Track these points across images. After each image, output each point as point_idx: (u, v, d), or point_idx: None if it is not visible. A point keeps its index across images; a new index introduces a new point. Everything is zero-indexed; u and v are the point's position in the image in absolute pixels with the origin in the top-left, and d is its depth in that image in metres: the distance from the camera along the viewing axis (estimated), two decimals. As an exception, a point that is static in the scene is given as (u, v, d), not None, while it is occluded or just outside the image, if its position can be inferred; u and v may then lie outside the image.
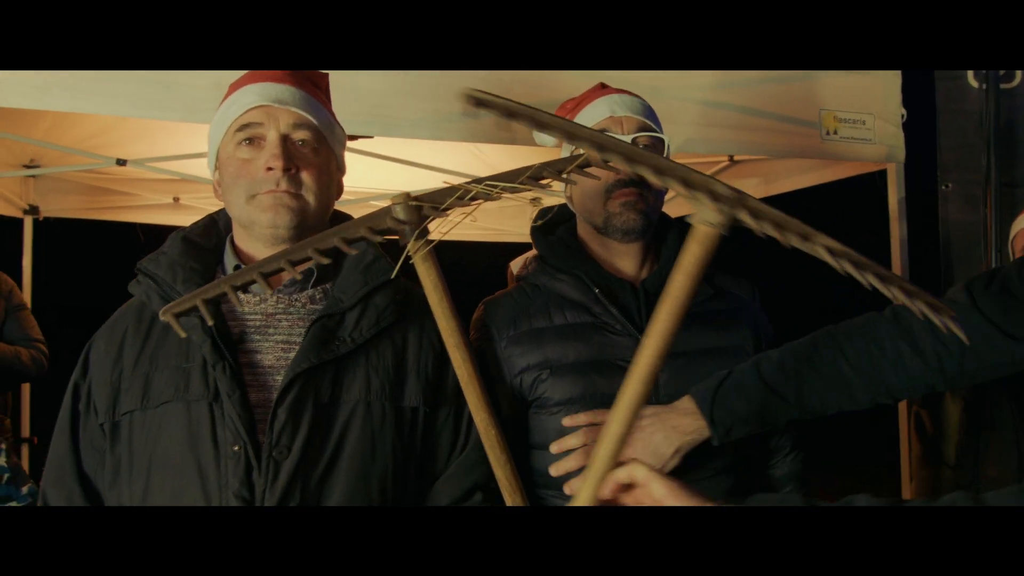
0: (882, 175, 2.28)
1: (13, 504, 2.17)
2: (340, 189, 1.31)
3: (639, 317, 1.34)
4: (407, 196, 1.06)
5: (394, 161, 3.28)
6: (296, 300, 1.21)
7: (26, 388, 3.72)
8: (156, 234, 3.91)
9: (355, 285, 1.20)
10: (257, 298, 1.20)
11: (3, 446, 2.21)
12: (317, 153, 1.20)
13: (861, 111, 2.14)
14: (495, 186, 1.13)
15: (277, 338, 1.17)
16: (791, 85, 2.07)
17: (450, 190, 1.08)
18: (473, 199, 1.09)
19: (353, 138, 2.76)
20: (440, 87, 1.74)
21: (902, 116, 2.19)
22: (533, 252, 1.47)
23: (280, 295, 1.21)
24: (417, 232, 1.06)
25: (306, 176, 1.18)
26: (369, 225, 1.08)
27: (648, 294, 1.36)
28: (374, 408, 1.15)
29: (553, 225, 1.47)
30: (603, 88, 1.47)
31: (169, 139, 3.25)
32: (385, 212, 1.09)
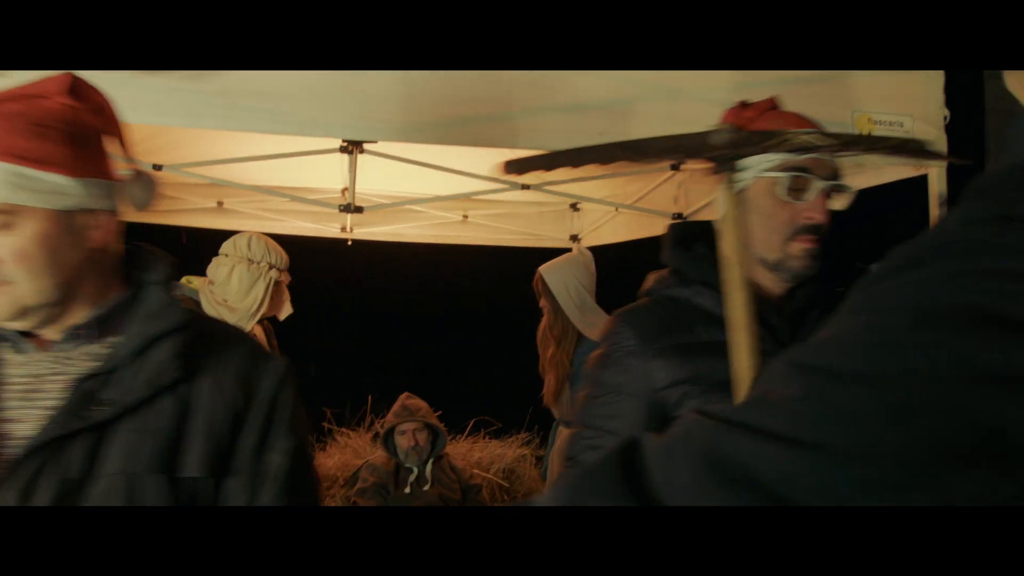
0: (923, 180, 2.13)
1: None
2: (104, 229, 1.09)
3: (785, 337, 1.31)
4: (730, 126, 1.04)
5: (426, 167, 3.28)
6: (72, 358, 1.07)
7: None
8: (200, 237, 4.02)
9: (135, 337, 1.06)
10: (25, 357, 1.07)
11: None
12: (15, 231, 1.01)
13: (899, 112, 2.01)
14: (831, 137, 1.10)
15: (45, 403, 1.04)
16: (821, 85, 1.96)
17: (771, 134, 1.04)
18: (796, 150, 1.05)
19: (358, 143, 2.76)
20: (444, 90, 1.71)
21: (945, 118, 2.05)
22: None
23: (57, 353, 1.07)
24: (730, 163, 1.03)
25: (7, 265, 1.02)
26: (685, 143, 1.06)
27: (792, 315, 1.34)
28: (140, 481, 1.00)
29: (689, 240, 1.44)
30: (786, 114, 1.42)
31: (210, 145, 3.33)
32: (698, 136, 1.04)
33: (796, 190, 1.26)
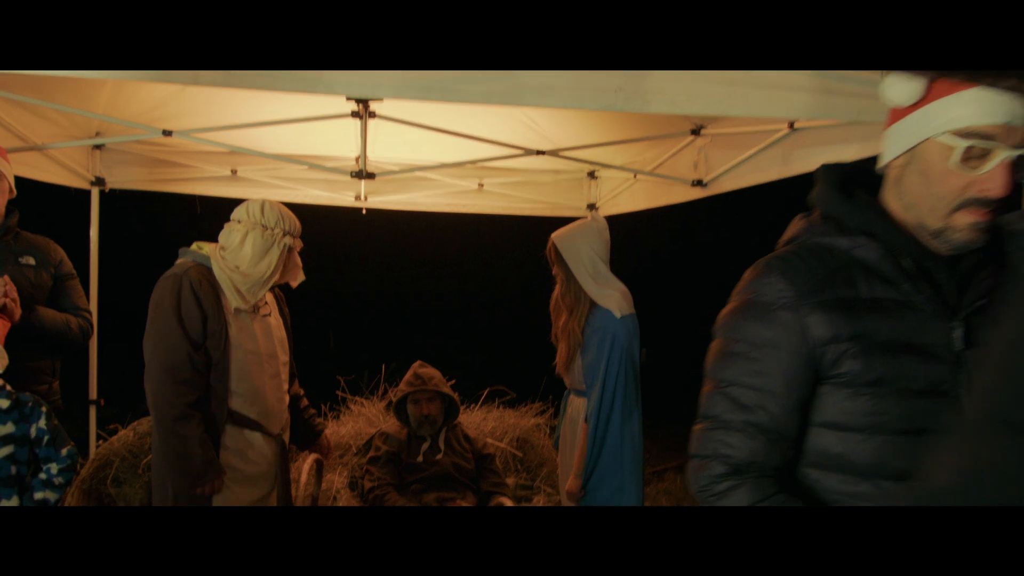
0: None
1: (53, 465, 2.24)
2: None
3: (952, 299, 1.18)
4: None
5: (442, 132, 3.22)
6: None
7: (93, 351, 3.89)
8: (214, 206, 4.00)
9: None
10: None
11: (44, 409, 2.28)
12: None
13: (931, 69, 1.90)
14: None
15: None
16: (849, 39, 1.85)
17: None
18: None
19: (364, 103, 2.71)
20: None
21: (982, 73, 1.93)
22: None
23: None
24: None
25: None
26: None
27: (964, 275, 1.20)
28: None
29: (848, 185, 1.29)
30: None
31: (222, 112, 3.29)
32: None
33: (975, 159, 1.12)
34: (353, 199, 4.37)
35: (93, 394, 3.91)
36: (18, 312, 2.47)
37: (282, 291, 2.91)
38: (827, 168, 1.31)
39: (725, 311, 1.28)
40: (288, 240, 2.66)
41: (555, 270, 2.81)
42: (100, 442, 3.64)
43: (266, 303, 2.74)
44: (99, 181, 3.91)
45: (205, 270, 2.56)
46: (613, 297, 2.67)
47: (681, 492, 5.94)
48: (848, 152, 2.48)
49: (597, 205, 4.53)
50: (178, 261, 2.61)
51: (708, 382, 1.27)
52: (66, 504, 2.86)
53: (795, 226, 1.31)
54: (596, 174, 4.49)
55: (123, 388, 3.73)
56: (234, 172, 4.12)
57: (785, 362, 1.19)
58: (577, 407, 2.77)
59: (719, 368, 1.25)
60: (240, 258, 2.58)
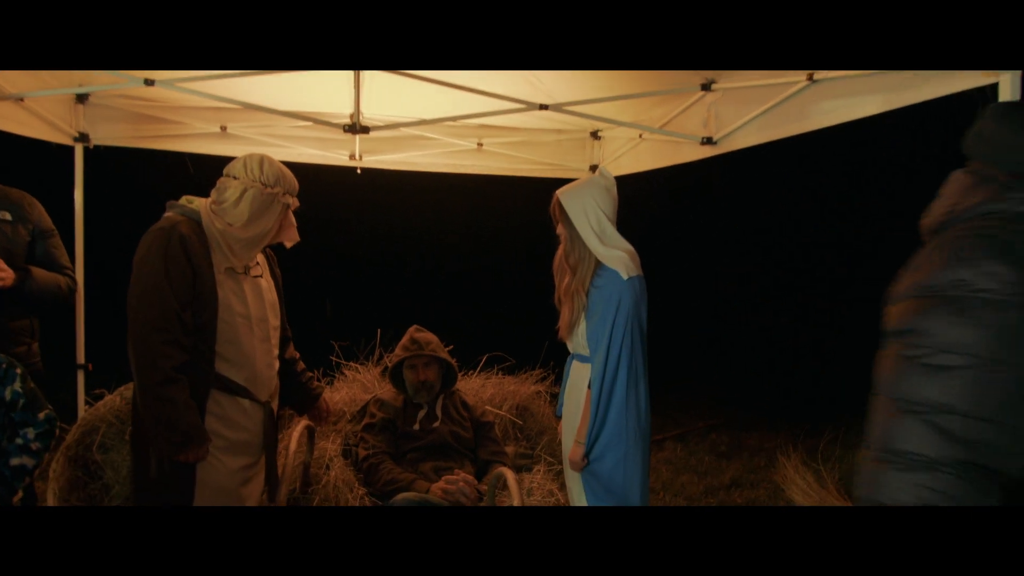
0: (993, 90, 1.89)
1: (29, 430, 2.13)
2: None
3: None
4: None
5: (446, 86, 3.06)
6: None
7: (80, 314, 3.77)
8: (204, 164, 3.84)
9: None
10: None
11: (19, 371, 2.16)
12: None
13: (971, 8, 1.75)
14: None
15: None
16: None
17: None
18: None
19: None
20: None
21: (1023, 14, 1.78)
22: None
23: None
24: None
25: None
26: None
27: None
28: None
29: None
30: None
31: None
32: None
33: None
34: (347, 158, 4.21)
35: (81, 358, 3.80)
36: (10, 279, 2.37)
37: (274, 252, 2.78)
38: (1010, 110, 1.03)
39: (910, 308, 0.99)
40: (288, 199, 2.53)
41: (559, 229, 2.67)
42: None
43: (257, 264, 2.61)
44: (83, 137, 3.75)
45: (195, 225, 2.42)
46: (620, 258, 2.53)
47: (681, 461, 5.81)
48: (872, 105, 2.34)
49: (600, 166, 4.38)
50: (166, 215, 2.47)
51: (891, 404, 0.98)
52: (50, 471, 2.76)
53: (973, 191, 1.02)
54: (600, 134, 4.33)
55: (109, 352, 3.62)
56: (223, 128, 3.96)
57: (1016, 379, 0.93)
58: (580, 373, 2.65)
59: (911, 386, 0.96)
60: (235, 215, 2.44)
